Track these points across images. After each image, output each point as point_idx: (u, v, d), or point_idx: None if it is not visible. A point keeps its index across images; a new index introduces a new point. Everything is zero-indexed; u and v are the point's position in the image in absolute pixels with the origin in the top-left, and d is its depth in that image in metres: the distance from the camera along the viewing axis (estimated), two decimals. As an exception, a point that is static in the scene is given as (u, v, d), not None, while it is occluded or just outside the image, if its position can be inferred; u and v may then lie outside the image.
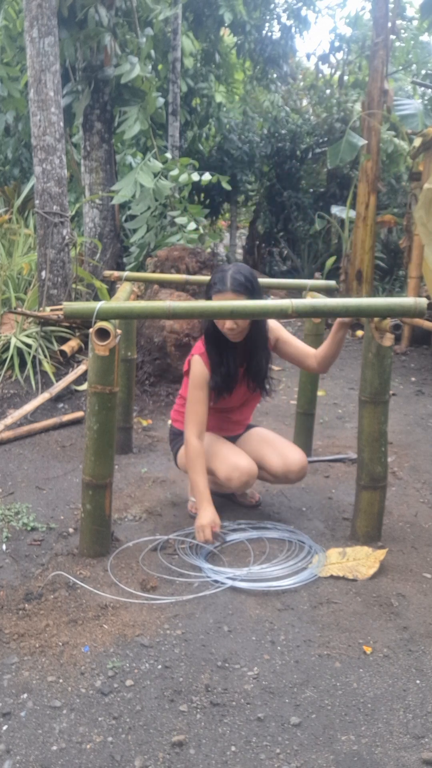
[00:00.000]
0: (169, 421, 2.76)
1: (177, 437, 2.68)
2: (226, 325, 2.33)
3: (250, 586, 2.10)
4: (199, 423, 2.42)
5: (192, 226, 5.98)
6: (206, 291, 2.40)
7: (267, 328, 2.50)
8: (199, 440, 2.42)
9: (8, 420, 3.64)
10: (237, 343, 2.44)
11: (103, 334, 2.11)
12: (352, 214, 6.92)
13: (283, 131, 9.54)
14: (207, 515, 2.35)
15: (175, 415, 2.71)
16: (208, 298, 2.36)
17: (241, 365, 2.50)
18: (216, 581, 2.13)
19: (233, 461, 2.43)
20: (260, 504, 2.76)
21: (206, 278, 3.96)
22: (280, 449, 2.56)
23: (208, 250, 6.26)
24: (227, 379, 2.45)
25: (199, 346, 2.50)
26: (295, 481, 2.58)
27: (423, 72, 10.00)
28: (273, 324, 2.55)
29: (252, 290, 2.32)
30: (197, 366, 2.44)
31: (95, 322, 2.10)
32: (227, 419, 2.62)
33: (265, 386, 2.57)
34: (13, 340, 4.42)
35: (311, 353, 2.53)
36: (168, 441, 2.76)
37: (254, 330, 2.43)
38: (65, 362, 4.56)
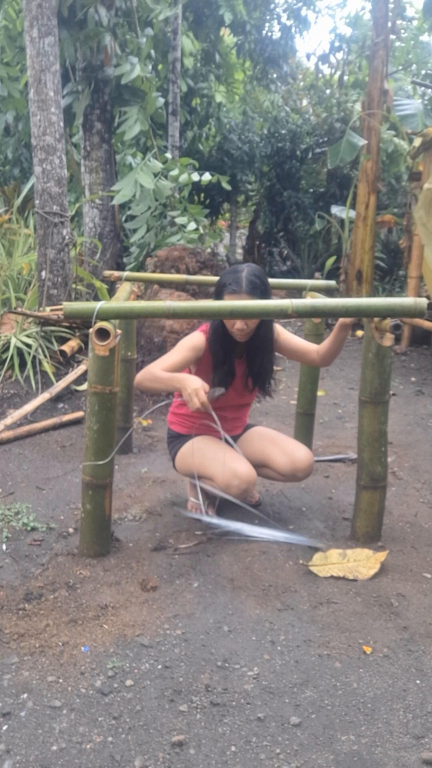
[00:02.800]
0: (168, 425, 2.73)
1: (174, 440, 2.64)
2: (236, 326, 2.32)
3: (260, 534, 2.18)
4: (168, 367, 2.31)
5: (192, 226, 5.98)
6: (217, 291, 2.37)
7: (273, 329, 2.49)
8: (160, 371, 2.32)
9: (8, 420, 3.64)
10: (240, 342, 2.43)
11: (103, 334, 2.11)
12: (352, 214, 6.93)
13: (283, 131, 9.55)
14: (192, 380, 2.19)
15: (172, 417, 2.68)
16: (219, 298, 2.33)
17: (241, 364, 2.50)
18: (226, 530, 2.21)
19: (232, 468, 2.34)
20: (260, 504, 2.76)
21: (206, 278, 3.97)
22: (285, 448, 2.53)
23: (208, 250, 6.26)
24: (225, 377, 2.44)
25: (203, 329, 2.47)
26: (303, 478, 2.55)
27: (423, 72, 10.00)
28: (278, 328, 2.55)
29: (265, 291, 2.31)
30: (196, 338, 2.41)
31: (95, 322, 2.10)
32: (222, 418, 2.56)
33: (266, 387, 2.55)
34: (13, 340, 4.42)
35: (313, 348, 2.52)
36: (166, 443, 2.73)
37: (261, 330, 2.41)
38: (65, 362, 4.56)
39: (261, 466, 2.56)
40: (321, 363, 2.51)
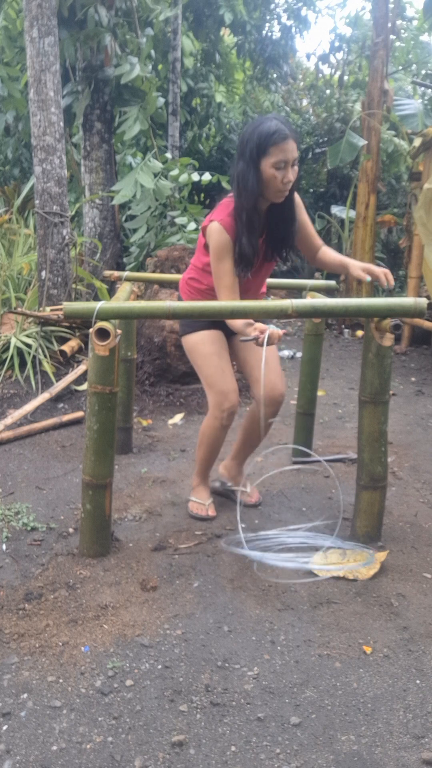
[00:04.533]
0: (177, 293, 2.62)
1: None
2: (285, 179, 2.14)
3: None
4: (232, 297, 2.28)
5: (192, 226, 5.98)
6: (258, 146, 2.12)
7: (295, 191, 2.31)
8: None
9: (8, 420, 3.64)
10: (262, 210, 2.28)
11: (103, 334, 2.11)
12: (352, 214, 6.92)
13: (283, 131, 9.54)
14: (255, 324, 2.13)
15: (183, 286, 2.55)
16: (262, 152, 2.12)
17: (261, 235, 2.34)
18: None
19: (224, 389, 2.40)
20: (260, 504, 2.76)
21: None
22: (272, 378, 2.45)
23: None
24: (250, 253, 2.27)
25: (218, 212, 2.28)
26: (269, 415, 2.48)
27: (423, 72, 10.00)
28: (296, 197, 2.36)
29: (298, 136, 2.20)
30: (219, 234, 2.24)
31: (95, 322, 2.10)
32: (244, 290, 2.45)
33: (283, 253, 2.41)
34: (13, 340, 4.42)
35: (317, 245, 2.42)
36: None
37: (290, 193, 2.26)
38: (65, 362, 4.55)
39: (245, 375, 2.58)
40: (312, 262, 2.48)
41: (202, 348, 2.48)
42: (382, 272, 2.25)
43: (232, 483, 2.78)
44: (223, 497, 2.77)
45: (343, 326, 6.76)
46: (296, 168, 2.17)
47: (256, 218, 2.25)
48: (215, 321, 2.47)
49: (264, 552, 2.24)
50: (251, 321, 2.18)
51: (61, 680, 1.71)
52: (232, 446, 2.79)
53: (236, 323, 2.22)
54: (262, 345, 2.08)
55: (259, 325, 2.10)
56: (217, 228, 2.25)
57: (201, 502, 2.66)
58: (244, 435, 2.66)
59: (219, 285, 2.31)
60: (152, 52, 6.99)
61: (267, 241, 2.38)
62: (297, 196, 2.36)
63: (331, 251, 2.42)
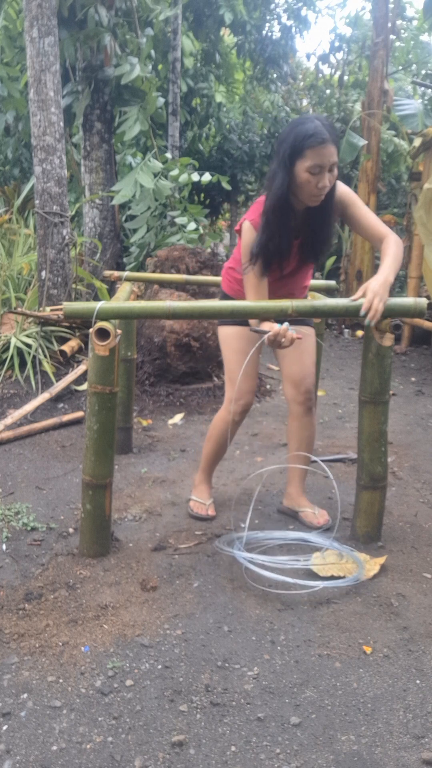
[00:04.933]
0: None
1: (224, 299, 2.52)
2: (320, 184, 2.05)
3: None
4: (263, 289, 2.25)
5: (192, 226, 5.98)
6: (293, 148, 2.03)
7: (335, 189, 2.20)
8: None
9: (8, 420, 3.64)
10: (299, 211, 2.21)
11: (103, 334, 2.11)
12: (352, 214, 6.90)
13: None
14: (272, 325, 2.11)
15: (224, 273, 2.53)
16: (297, 154, 2.03)
17: (297, 237, 2.27)
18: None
19: (241, 388, 2.45)
20: (329, 527, 2.56)
21: (206, 278, 3.97)
22: (303, 373, 2.48)
23: (208, 250, 6.25)
24: (277, 255, 2.22)
25: (252, 211, 2.25)
26: (300, 410, 2.53)
27: (423, 72, 10.00)
28: (344, 194, 2.25)
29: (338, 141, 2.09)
30: (247, 234, 2.23)
31: (95, 322, 2.10)
32: (281, 286, 2.41)
33: (318, 257, 2.35)
34: (13, 340, 4.42)
35: (379, 239, 2.23)
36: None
37: (327, 195, 2.16)
38: (65, 362, 4.55)
39: (280, 369, 2.60)
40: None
41: (232, 343, 2.50)
42: (369, 305, 2.08)
43: (295, 505, 2.66)
44: (289, 516, 2.68)
45: (343, 326, 6.76)
46: (335, 173, 2.08)
47: (287, 219, 2.17)
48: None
49: (256, 553, 2.22)
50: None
51: (61, 680, 1.71)
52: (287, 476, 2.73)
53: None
54: (271, 345, 2.08)
55: (275, 326, 2.09)
56: (247, 227, 2.23)
57: (201, 502, 2.66)
58: (290, 442, 2.63)
59: (245, 283, 2.28)
60: (152, 52, 6.99)
61: (303, 243, 2.30)
62: (351, 197, 2.26)
63: (387, 248, 2.20)
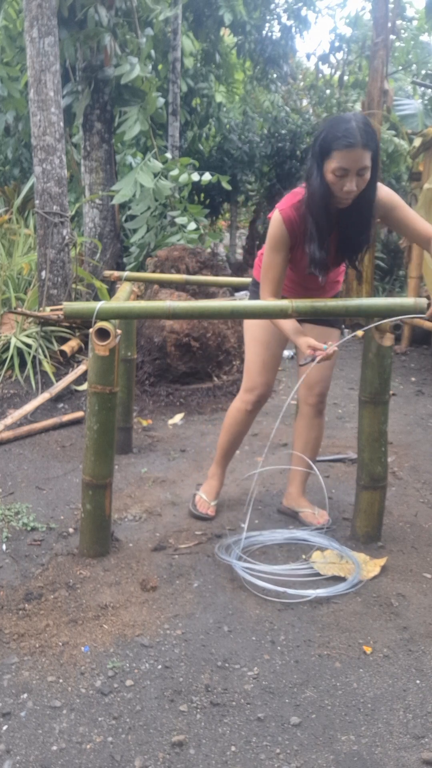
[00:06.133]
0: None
1: (255, 288, 2.48)
2: (345, 188, 1.98)
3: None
4: (275, 289, 2.22)
5: (192, 226, 5.98)
6: (323, 146, 1.98)
7: (375, 193, 2.11)
8: (273, 297, 2.24)
9: (8, 420, 3.64)
10: (335, 208, 2.12)
11: (103, 334, 2.11)
12: (352, 214, 6.91)
13: (283, 131, 9.54)
14: (306, 339, 2.13)
15: (257, 261, 2.47)
16: (325, 154, 1.98)
17: (331, 233, 2.19)
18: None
19: (257, 380, 2.47)
20: (329, 526, 2.56)
21: (206, 278, 3.97)
22: (315, 375, 2.46)
23: (208, 250, 6.26)
24: (321, 256, 2.14)
25: (284, 200, 2.16)
26: (312, 411, 2.57)
27: (423, 72, 10.00)
28: (386, 197, 2.17)
29: (376, 144, 1.97)
30: (276, 226, 2.15)
31: (95, 322, 2.10)
32: (303, 286, 2.37)
33: (353, 259, 2.27)
34: (13, 340, 4.42)
35: (426, 239, 2.18)
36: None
37: (366, 192, 2.07)
38: (65, 362, 4.55)
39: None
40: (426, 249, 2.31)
41: (255, 333, 2.48)
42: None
43: (294, 505, 2.66)
44: (289, 516, 2.67)
45: (343, 326, 6.76)
46: (366, 177, 2.00)
47: (323, 214, 2.09)
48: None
49: (255, 552, 2.23)
50: (300, 328, 2.19)
51: (61, 680, 1.71)
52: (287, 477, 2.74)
53: (286, 327, 2.21)
54: (317, 362, 2.08)
55: (313, 343, 2.09)
56: (276, 219, 2.16)
57: (206, 500, 2.65)
58: (296, 441, 2.64)
59: (264, 276, 2.24)
60: (152, 52, 6.98)
61: (337, 244, 2.24)
62: (393, 199, 2.18)
63: None
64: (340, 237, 2.21)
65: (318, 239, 2.12)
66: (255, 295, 2.45)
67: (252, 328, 2.49)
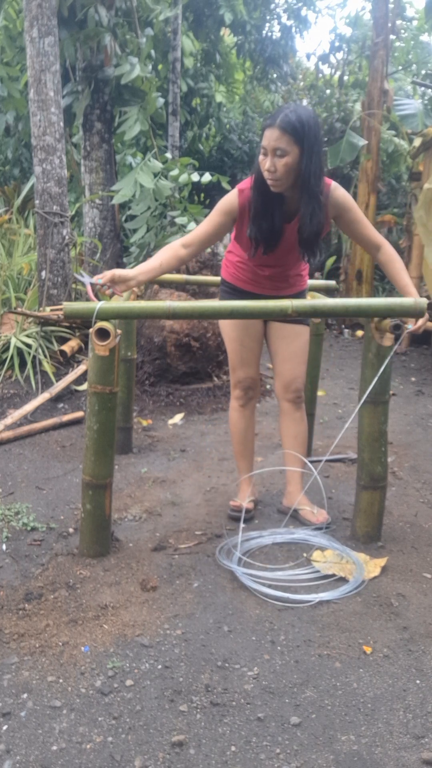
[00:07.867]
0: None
1: (225, 287, 2.58)
2: (266, 166, 2.11)
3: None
4: (191, 239, 2.29)
5: (192, 226, 5.96)
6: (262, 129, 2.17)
7: (321, 188, 2.17)
8: (182, 245, 2.29)
9: (8, 420, 3.64)
10: (286, 196, 2.21)
11: (103, 334, 2.11)
12: (352, 214, 6.91)
13: (284, 131, 9.54)
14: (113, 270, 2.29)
15: (224, 259, 2.59)
16: (260, 132, 2.15)
17: (288, 221, 2.27)
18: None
19: (239, 375, 2.57)
20: (329, 525, 2.56)
21: (206, 278, 3.97)
22: (294, 371, 2.54)
23: (208, 250, 6.26)
24: (269, 234, 2.24)
25: (248, 180, 2.28)
26: (289, 407, 2.61)
27: (423, 72, 10.00)
28: (341, 197, 2.24)
29: (302, 135, 2.04)
30: (229, 196, 2.28)
31: (95, 322, 2.10)
32: (255, 272, 2.44)
33: (311, 250, 2.31)
34: (13, 340, 4.42)
35: (376, 246, 2.30)
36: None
37: (302, 182, 2.14)
38: (65, 362, 4.55)
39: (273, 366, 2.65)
40: (377, 262, 2.38)
41: (227, 331, 2.56)
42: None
43: (294, 504, 2.64)
44: (292, 517, 2.65)
45: (343, 326, 6.76)
46: (286, 161, 2.08)
47: (270, 200, 2.20)
48: (238, 285, 2.50)
49: (255, 552, 2.23)
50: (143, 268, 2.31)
51: (61, 680, 1.71)
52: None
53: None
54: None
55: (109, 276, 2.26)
56: (232, 191, 2.30)
57: (239, 502, 2.63)
58: (284, 439, 2.68)
59: (199, 226, 2.33)
60: (152, 52, 6.98)
61: (296, 234, 2.28)
62: (341, 198, 2.24)
63: (393, 263, 2.31)
64: (298, 228, 2.27)
65: (260, 215, 2.22)
66: (224, 294, 2.57)
67: (225, 327, 2.57)
